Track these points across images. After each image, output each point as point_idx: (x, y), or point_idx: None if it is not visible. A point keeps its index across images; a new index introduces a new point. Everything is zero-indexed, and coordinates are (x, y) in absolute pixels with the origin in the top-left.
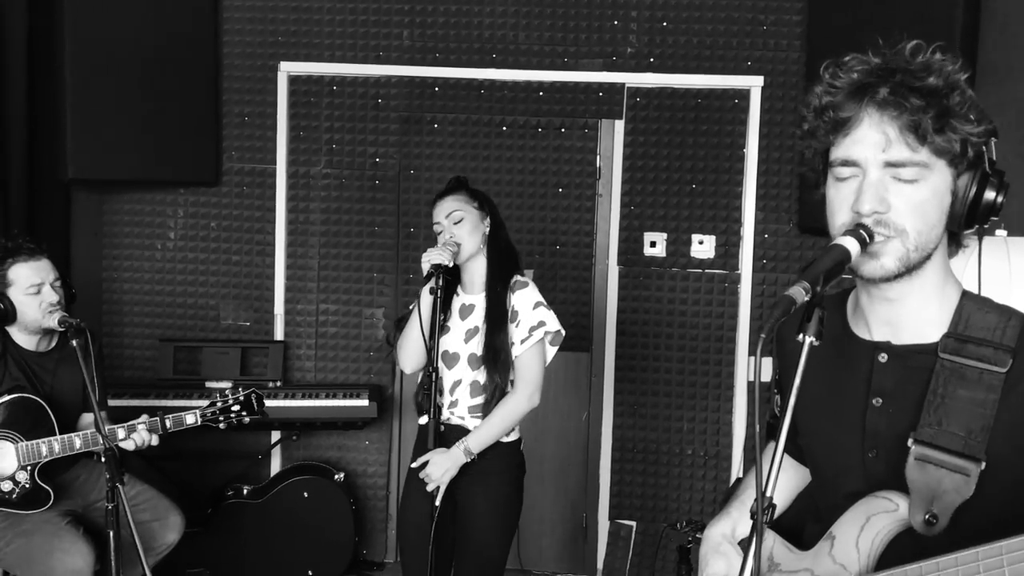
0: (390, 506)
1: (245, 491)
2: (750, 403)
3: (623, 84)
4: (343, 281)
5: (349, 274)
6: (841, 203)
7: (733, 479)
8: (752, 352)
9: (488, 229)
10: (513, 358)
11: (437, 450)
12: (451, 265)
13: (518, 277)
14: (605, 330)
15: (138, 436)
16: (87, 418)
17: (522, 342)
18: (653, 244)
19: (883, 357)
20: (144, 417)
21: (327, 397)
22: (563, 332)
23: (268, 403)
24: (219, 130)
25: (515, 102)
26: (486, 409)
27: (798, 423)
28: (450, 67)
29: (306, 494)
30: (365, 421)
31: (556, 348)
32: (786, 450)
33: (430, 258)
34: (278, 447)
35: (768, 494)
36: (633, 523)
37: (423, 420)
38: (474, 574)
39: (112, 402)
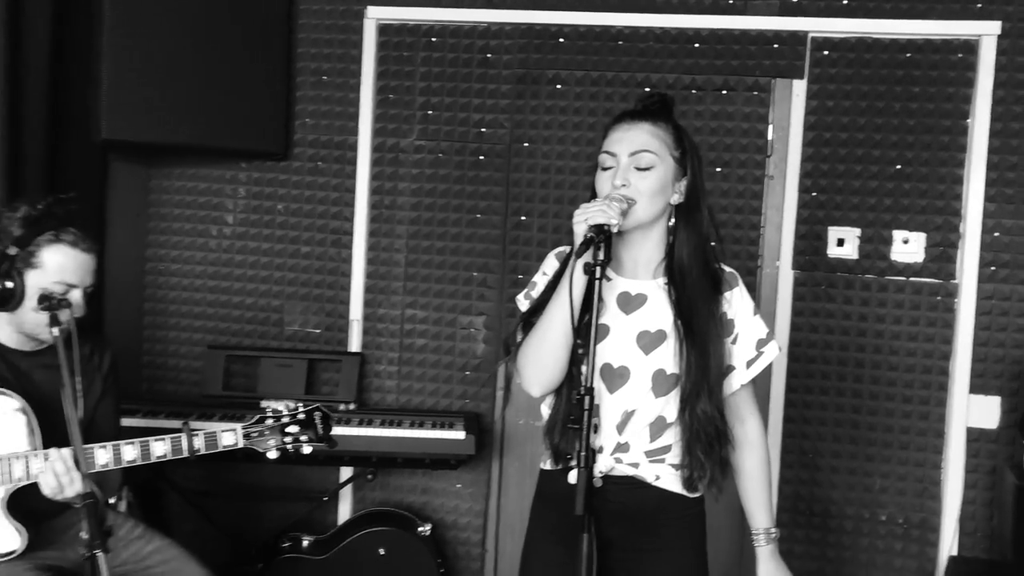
0: (486, 568)
1: (305, 543)
2: (969, 455)
3: (806, 33)
4: (435, 281)
5: (443, 272)
6: None
7: (944, 557)
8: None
9: (682, 197)
10: (736, 388)
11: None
12: (616, 230)
13: (724, 267)
14: None
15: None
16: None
17: (748, 365)
18: (841, 243)
19: None
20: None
21: (412, 427)
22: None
23: (338, 431)
24: (290, 91)
25: (662, 56)
26: (688, 460)
27: None
28: (578, 11)
29: (382, 551)
30: (460, 459)
31: None
32: None
33: (589, 216)
34: (349, 487)
35: None
36: None
37: (573, 476)
38: None
39: (144, 422)
